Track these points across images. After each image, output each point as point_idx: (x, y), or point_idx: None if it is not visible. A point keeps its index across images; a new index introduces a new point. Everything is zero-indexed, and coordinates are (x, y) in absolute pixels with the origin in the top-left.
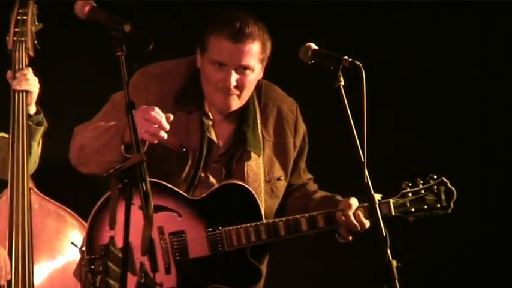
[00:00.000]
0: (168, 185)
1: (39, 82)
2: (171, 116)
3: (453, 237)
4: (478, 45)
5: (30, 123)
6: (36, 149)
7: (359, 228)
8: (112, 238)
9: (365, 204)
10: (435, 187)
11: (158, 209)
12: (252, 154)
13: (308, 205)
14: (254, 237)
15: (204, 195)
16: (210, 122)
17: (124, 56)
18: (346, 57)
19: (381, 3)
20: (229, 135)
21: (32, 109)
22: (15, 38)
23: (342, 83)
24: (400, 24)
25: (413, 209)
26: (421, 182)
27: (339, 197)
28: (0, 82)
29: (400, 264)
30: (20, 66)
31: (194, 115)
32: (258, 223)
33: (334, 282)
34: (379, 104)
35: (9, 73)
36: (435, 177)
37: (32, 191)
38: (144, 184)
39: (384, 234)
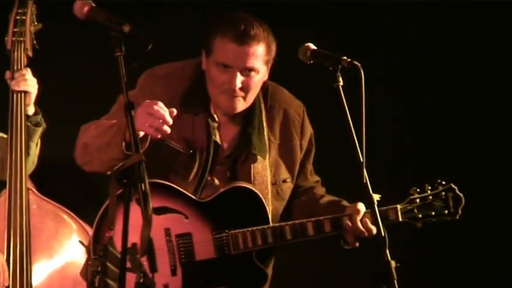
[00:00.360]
0: (175, 186)
1: (38, 82)
2: (175, 111)
3: (452, 238)
4: (478, 45)
5: (29, 123)
6: (35, 149)
7: (366, 234)
8: (111, 238)
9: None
10: (443, 193)
11: (165, 210)
12: (257, 156)
13: (315, 210)
14: (260, 240)
15: (211, 197)
16: (216, 124)
17: (123, 56)
18: (345, 58)
19: (382, 3)
20: (234, 138)
21: (31, 110)
22: (14, 38)
23: (341, 83)
24: (401, 25)
25: (420, 215)
26: (429, 188)
27: (345, 202)
28: None
29: (398, 265)
30: (19, 67)
31: (200, 117)
32: (265, 227)
33: (335, 282)
34: (380, 105)
35: (7, 73)
36: (443, 183)
37: (30, 191)
38: (143, 184)
39: (383, 234)
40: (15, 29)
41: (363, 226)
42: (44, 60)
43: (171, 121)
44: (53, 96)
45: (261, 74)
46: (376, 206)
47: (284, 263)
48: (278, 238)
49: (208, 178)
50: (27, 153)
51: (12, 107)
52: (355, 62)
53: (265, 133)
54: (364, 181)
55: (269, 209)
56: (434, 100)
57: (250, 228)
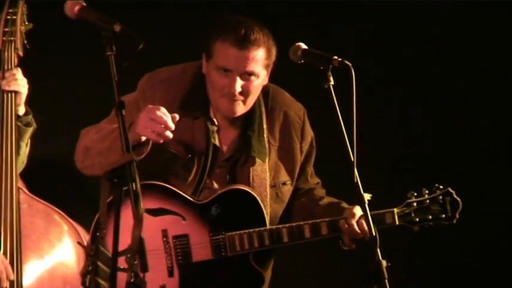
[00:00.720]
0: (173, 188)
1: (29, 82)
2: (177, 116)
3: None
4: (478, 47)
5: (19, 124)
6: (25, 149)
7: (362, 236)
8: (102, 238)
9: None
10: (440, 197)
11: (163, 212)
12: (256, 159)
13: (314, 211)
14: (257, 243)
15: (209, 199)
16: (215, 128)
17: (114, 56)
18: (336, 57)
19: (379, 3)
20: (234, 141)
21: (21, 110)
22: (4, 38)
23: (332, 82)
24: (401, 26)
25: (417, 219)
26: (427, 192)
27: (344, 204)
28: None
29: (389, 264)
30: (9, 66)
31: (199, 120)
32: (262, 229)
33: (333, 282)
34: (379, 106)
35: None
36: (441, 187)
37: (20, 190)
38: (133, 184)
39: (374, 234)
40: (6, 29)
41: (359, 228)
42: (35, 60)
43: (173, 126)
44: (45, 96)
45: (261, 78)
46: (366, 205)
47: (282, 264)
48: (275, 240)
49: (207, 181)
50: (17, 153)
51: (3, 106)
52: (346, 62)
53: (265, 136)
54: (355, 181)
55: (267, 212)
56: (433, 101)
57: (247, 230)
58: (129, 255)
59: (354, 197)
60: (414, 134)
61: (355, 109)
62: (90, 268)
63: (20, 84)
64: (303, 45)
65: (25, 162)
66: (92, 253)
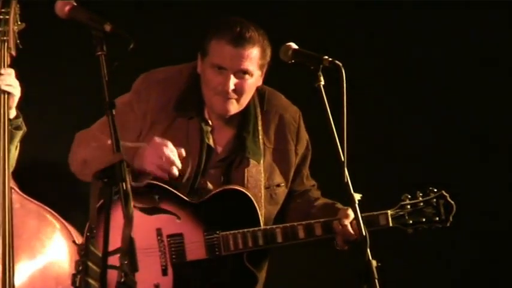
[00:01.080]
0: (168, 187)
1: (21, 82)
2: (183, 153)
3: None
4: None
5: (9, 127)
6: (14, 152)
7: (355, 237)
8: (92, 238)
9: (363, 215)
10: (434, 200)
11: (157, 211)
12: (251, 160)
13: (309, 212)
14: (251, 243)
15: (203, 198)
16: (209, 128)
17: (105, 56)
18: (327, 57)
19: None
20: (229, 142)
21: (12, 113)
22: None
23: (322, 82)
24: (397, 25)
25: (411, 221)
26: (421, 194)
27: (339, 205)
28: None
29: (380, 264)
30: (2, 66)
31: (194, 121)
32: (256, 229)
33: (327, 283)
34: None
35: None
36: (435, 190)
37: (13, 190)
38: (124, 184)
39: (364, 234)
40: None
41: (353, 229)
42: (26, 60)
43: (179, 165)
44: (37, 96)
45: (254, 78)
46: (357, 205)
47: (276, 264)
48: (269, 241)
49: (202, 182)
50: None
51: None
52: (337, 62)
53: (260, 137)
54: (345, 181)
55: (261, 213)
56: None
57: (241, 230)
58: (119, 255)
59: (344, 197)
60: (408, 135)
61: (345, 109)
62: (80, 268)
63: (14, 85)
64: (294, 45)
65: (14, 165)
66: (82, 253)
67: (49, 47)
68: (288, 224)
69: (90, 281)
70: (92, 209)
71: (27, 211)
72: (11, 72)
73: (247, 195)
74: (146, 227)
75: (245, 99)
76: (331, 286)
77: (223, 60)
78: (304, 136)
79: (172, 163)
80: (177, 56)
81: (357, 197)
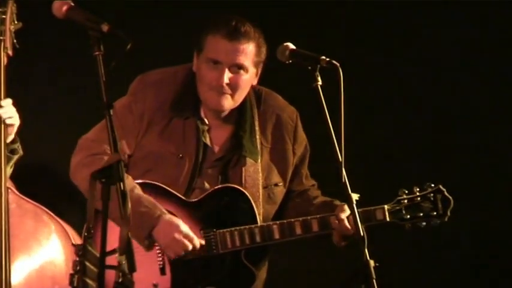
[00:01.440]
0: (165, 186)
1: (17, 83)
2: (198, 245)
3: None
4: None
5: None
6: (9, 171)
7: (352, 232)
8: (90, 238)
9: (360, 210)
10: (431, 195)
11: None
12: (249, 159)
13: (308, 210)
14: (248, 240)
15: (200, 197)
16: (206, 127)
17: (102, 56)
18: (324, 57)
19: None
20: (225, 140)
21: (9, 138)
22: None
23: (320, 82)
24: (400, 26)
25: (408, 216)
26: (418, 189)
27: (337, 202)
28: None
29: (377, 264)
30: None
31: (190, 120)
32: (253, 226)
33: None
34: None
35: None
36: (432, 185)
37: (9, 190)
38: (121, 184)
39: (362, 234)
40: None
41: (350, 224)
42: (24, 60)
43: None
44: (34, 96)
45: (249, 74)
46: (355, 205)
47: (276, 263)
48: (266, 237)
49: (199, 181)
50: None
51: None
52: (334, 62)
53: (258, 137)
54: (343, 180)
55: (259, 212)
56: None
57: (238, 228)
58: (117, 255)
59: (342, 197)
60: (407, 135)
61: (342, 109)
62: (78, 268)
63: (14, 116)
64: (291, 45)
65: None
66: (80, 253)
67: (46, 46)
68: (285, 221)
69: (88, 281)
70: (89, 209)
71: (24, 211)
72: (10, 102)
73: (244, 193)
74: None
75: (239, 96)
76: (331, 286)
77: (218, 54)
78: (302, 136)
79: (186, 251)
80: (175, 56)
81: (355, 197)
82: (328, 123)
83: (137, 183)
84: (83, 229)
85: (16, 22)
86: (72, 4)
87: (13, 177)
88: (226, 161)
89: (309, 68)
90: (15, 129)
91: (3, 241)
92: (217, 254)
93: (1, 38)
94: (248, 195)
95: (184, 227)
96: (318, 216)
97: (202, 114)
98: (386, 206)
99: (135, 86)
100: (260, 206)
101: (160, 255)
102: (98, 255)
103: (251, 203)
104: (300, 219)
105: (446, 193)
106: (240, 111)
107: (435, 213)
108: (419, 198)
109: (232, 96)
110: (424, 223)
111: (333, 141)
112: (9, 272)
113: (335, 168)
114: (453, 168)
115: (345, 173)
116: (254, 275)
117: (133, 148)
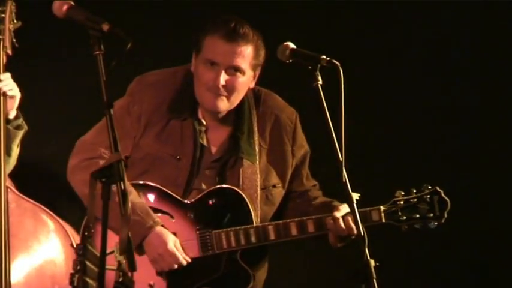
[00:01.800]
0: (161, 187)
1: (17, 82)
2: (184, 263)
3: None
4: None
5: (10, 127)
6: (16, 150)
7: (347, 233)
8: (90, 237)
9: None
10: (428, 196)
11: (152, 210)
12: (246, 161)
13: (308, 211)
14: (244, 240)
15: (196, 198)
16: (203, 128)
17: (102, 55)
18: (324, 57)
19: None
20: (223, 142)
21: (12, 113)
22: None
23: (320, 82)
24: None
25: (404, 217)
26: (414, 191)
27: (336, 203)
28: None
29: (378, 264)
30: None
31: (187, 122)
32: (248, 227)
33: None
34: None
35: None
36: (429, 187)
37: (9, 189)
38: (121, 183)
39: (362, 233)
40: None
41: (345, 224)
42: (24, 59)
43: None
44: (33, 95)
45: (246, 77)
46: (355, 204)
47: (276, 264)
48: (261, 238)
49: (196, 182)
50: (9, 154)
51: None
52: (334, 61)
53: (256, 138)
54: (343, 180)
55: (257, 214)
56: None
57: (233, 228)
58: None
59: (342, 196)
60: (407, 135)
61: (343, 108)
62: (78, 267)
63: (15, 88)
64: (291, 45)
65: (15, 162)
66: (80, 252)
67: (46, 46)
68: (280, 221)
69: (88, 280)
70: (89, 208)
71: (23, 210)
72: (9, 75)
73: (240, 194)
74: None
75: (236, 98)
76: (331, 286)
77: (216, 55)
78: (301, 137)
79: (171, 269)
80: (174, 56)
81: (355, 196)
82: (329, 122)
83: (134, 183)
84: (81, 227)
85: (15, 21)
86: (73, 3)
87: (13, 177)
88: (223, 162)
89: (309, 67)
90: (16, 102)
91: (3, 240)
92: (213, 254)
93: (0, 37)
94: (244, 196)
95: (172, 245)
96: (313, 217)
97: (200, 115)
98: (382, 207)
99: (133, 87)
100: (258, 207)
101: None
102: (98, 254)
103: (247, 204)
104: (296, 219)
105: (443, 195)
106: (238, 112)
107: (432, 214)
108: (415, 200)
109: (228, 98)
110: (420, 225)
111: (333, 140)
112: (8, 272)
113: (335, 168)
114: (453, 168)
115: (345, 173)
116: (250, 275)
117: (130, 149)
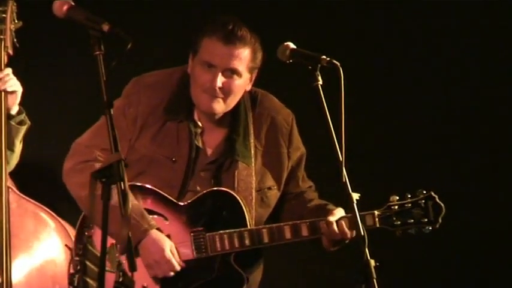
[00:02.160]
0: (156, 189)
1: (18, 80)
2: (179, 270)
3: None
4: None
5: (13, 123)
6: (19, 146)
7: (340, 237)
8: (90, 237)
9: (349, 215)
10: (423, 201)
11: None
12: (241, 163)
13: (303, 214)
14: (238, 243)
15: (191, 200)
16: (199, 130)
17: (103, 55)
18: (324, 57)
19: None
20: (219, 144)
21: (15, 109)
22: None
23: (320, 82)
24: (401, 26)
25: (399, 222)
26: (409, 196)
27: (331, 206)
28: None
29: (378, 264)
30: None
31: (183, 124)
32: (242, 229)
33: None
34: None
35: None
36: (424, 192)
37: (10, 190)
38: (122, 183)
39: (362, 233)
40: None
41: (339, 228)
42: (24, 59)
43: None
44: (33, 95)
45: (243, 79)
46: (355, 204)
47: (272, 264)
48: (255, 241)
49: (191, 184)
50: (12, 150)
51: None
52: (334, 61)
53: (252, 140)
54: (344, 180)
55: (252, 216)
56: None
57: (227, 231)
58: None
59: (341, 197)
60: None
61: (343, 109)
62: (78, 267)
63: (16, 84)
64: (292, 45)
65: (18, 159)
66: (80, 252)
67: (46, 46)
68: (274, 225)
69: (89, 280)
70: (90, 208)
71: (24, 210)
72: (10, 71)
73: (235, 197)
74: None
75: (232, 100)
76: (330, 286)
77: (213, 58)
78: (297, 139)
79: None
80: (174, 56)
81: (355, 196)
82: (329, 122)
83: (129, 185)
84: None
85: (16, 21)
86: (73, 4)
87: (14, 177)
88: (219, 165)
89: (310, 67)
90: (18, 97)
91: (4, 240)
92: (207, 256)
93: (1, 37)
94: (238, 198)
95: (168, 251)
96: (307, 220)
97: (196, 117)
98: (376, 212)
99: (128, 89)
100: (253, 210)
101: None
102: (98, 254)
103: (242, 206)
104: (290, 223)
105: (437, 200)
106: (234, 114)
107: (426, 219)
108: (410, 205)
109: (224, 100)
110: (414, 230)
111: (333, 140)
112: (9, 271)
113: (335, 168)
114: (453, 168)
115: (345, 173)
116: (244, 278)
117: (126, 151)
